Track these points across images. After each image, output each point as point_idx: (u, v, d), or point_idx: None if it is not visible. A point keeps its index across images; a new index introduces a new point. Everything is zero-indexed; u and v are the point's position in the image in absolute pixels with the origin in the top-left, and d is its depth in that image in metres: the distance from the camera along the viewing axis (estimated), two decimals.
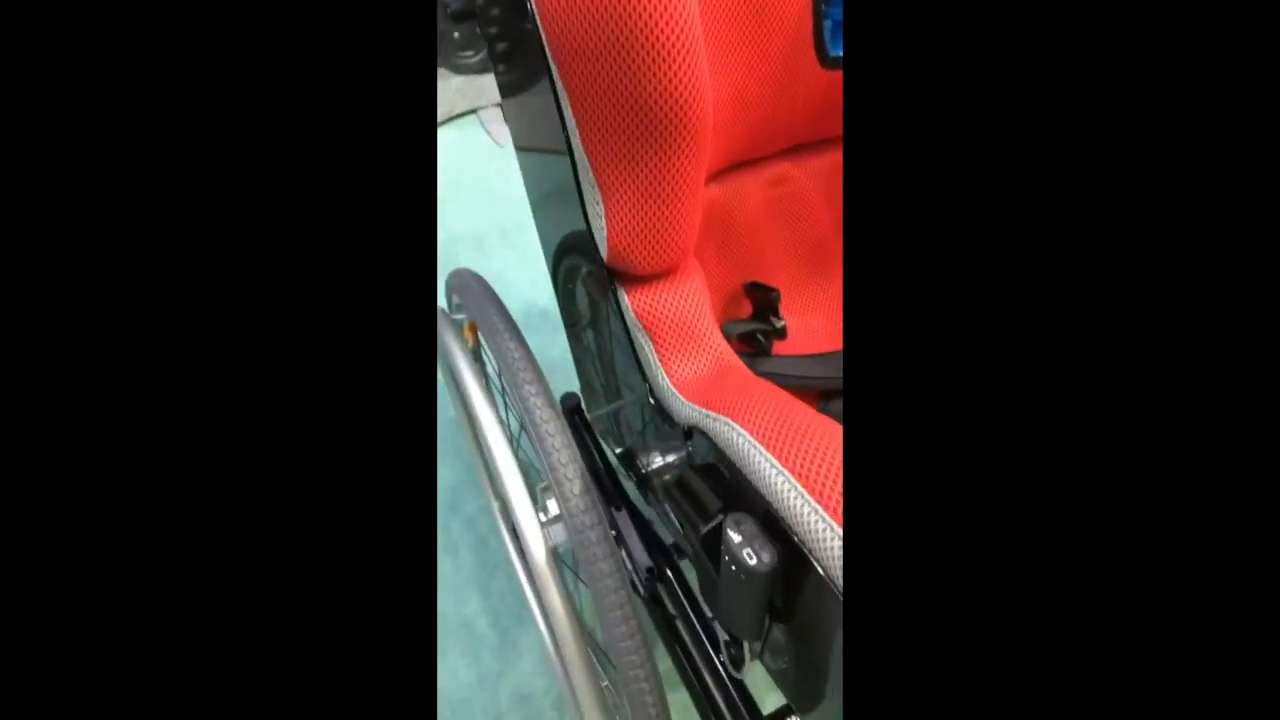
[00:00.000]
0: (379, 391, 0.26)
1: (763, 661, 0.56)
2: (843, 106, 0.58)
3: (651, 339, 0.57)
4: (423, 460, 0.27)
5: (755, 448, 0.43)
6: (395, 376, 0.27)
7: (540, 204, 0.78)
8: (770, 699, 0.72)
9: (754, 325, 0.76)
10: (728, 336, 0.63)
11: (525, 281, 1.53)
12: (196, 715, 0.23)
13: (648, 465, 0.73)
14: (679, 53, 0.42)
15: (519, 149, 0.74)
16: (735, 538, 0.41)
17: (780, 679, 0.52)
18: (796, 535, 0.39)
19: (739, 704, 0.70)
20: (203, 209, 0.24)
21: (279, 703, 0.24)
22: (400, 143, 0.27)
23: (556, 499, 0.69)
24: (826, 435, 0.42)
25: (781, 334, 0.75)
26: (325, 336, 0.26)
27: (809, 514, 0.38)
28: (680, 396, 0.55)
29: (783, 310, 0.78)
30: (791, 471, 0.40)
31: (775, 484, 0.41)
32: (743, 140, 0.72)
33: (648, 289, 0.58)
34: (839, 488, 0.38)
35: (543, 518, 0.71)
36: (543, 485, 0.75)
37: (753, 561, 0.40)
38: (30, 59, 0.22)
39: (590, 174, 0.51)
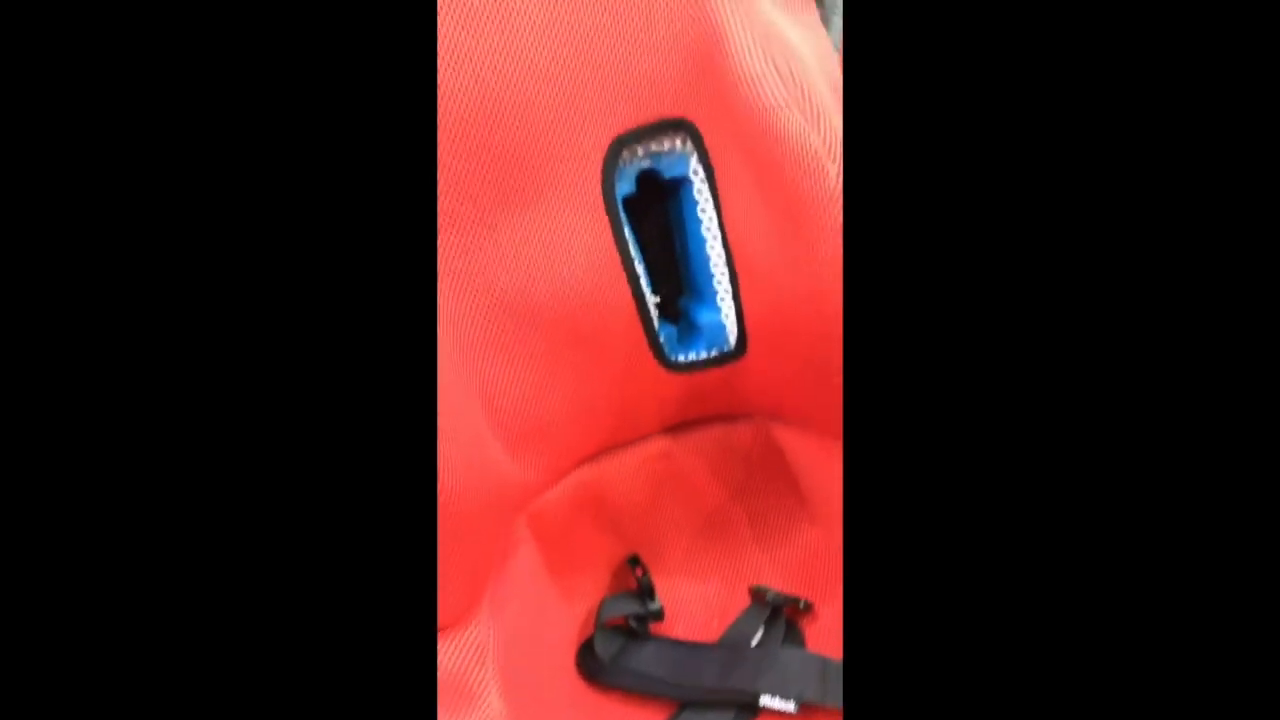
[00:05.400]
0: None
1: None
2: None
3: None
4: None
5: None
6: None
7: None
8: None
9: (629, 608, 0.64)
10: (599, 618, 0.61)
11: None
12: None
13: None
14: None
15: None
16: None
17: None
18: None
19: None
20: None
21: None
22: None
23: None
24: None
25: (658, 615, 0.64)
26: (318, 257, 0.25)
27: None
28: None
29: (674, 576, 0.67)
30: None
31: None
32: (593, 441, 0.63)
33: None
34: None
35: None
36: None
37: None
38: (22, 62, 0.21)
39: None
